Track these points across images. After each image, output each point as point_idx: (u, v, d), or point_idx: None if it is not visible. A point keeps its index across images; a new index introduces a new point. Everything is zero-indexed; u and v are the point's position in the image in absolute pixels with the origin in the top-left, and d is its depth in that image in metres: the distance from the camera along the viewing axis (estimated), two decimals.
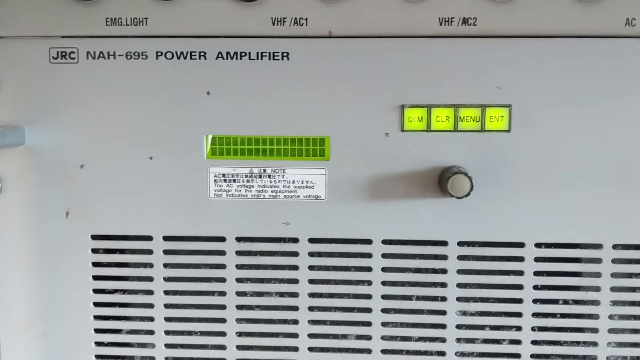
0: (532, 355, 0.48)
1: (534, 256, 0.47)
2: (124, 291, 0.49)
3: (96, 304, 0.49)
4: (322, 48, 0.46)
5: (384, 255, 0.48)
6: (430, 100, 0.46)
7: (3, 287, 0.49)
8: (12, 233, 0.48)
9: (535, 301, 0.48)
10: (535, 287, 0.47)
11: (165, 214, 0.48)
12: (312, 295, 0.49)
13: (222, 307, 0.49)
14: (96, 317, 0.49)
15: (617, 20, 0.44)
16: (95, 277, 0.49)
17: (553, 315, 0.48)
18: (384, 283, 0.48)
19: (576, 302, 0.48)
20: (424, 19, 0.45)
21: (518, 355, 0.48)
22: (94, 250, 0.49)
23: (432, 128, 0.46)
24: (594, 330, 0.48)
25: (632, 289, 0.47)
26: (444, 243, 0.47)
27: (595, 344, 0.48)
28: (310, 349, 0.49)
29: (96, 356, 0.50)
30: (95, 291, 0.49)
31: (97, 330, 0.50)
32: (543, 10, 0.44)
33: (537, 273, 0.47)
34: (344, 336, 0.49)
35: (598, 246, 0.46)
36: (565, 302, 0.48)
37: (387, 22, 0.45)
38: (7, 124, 0.47)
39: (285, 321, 0.49)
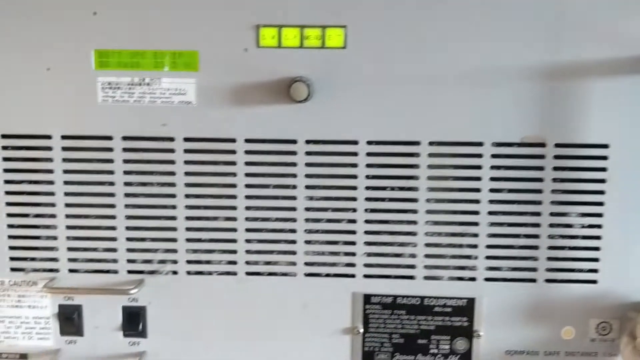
0: (365, 232, 0.59)
1: (366, 151, 0.58)
2: (30, 182, 0.59)
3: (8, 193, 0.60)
4: None
5: (246, 152, 0.58)
6: (281, 21, 0.56)
7: None
8: None
9: (367, 188, 0.59)
10: (367, 177, 0.58)
11: (62, 115, 0.58)
12: (188, 185, 0.59)
13: (112, 195, 0.59)
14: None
15: None
16: (6, 170, 0.59)
17: (382, 200, 0.59)
18: (247, 174, 0.59)
19: (401, 188, 0.59)
20: None
21: (354, 232, 0.59)
22: (4, 147, 0.58)
23: (282, 45, 0.57)
24: (414, 211, 0.59)
25: (445, 178, 0.58)
26: (294, 141, 0.58)
27: (415, 222, 0.59)
28: (188, 229, 0.60)
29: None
30: (6, 182, 0.59)
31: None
32: None
33: (369, 165, 0.58)
34: (215, 218, 0.60)
35: (416, 143, 0.58)
36: (392, 189, 0.59)
37: None
38: None
39: (164, 206, 0.59)
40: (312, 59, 0.56)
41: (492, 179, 0.57)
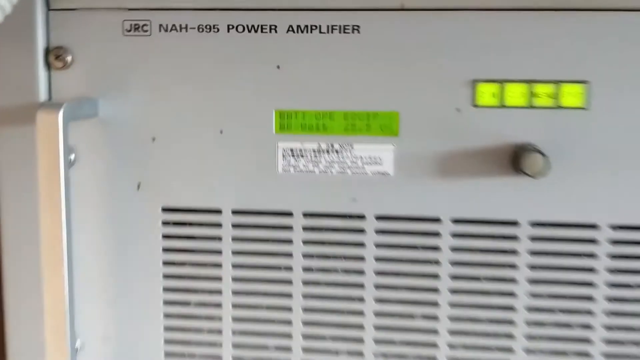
0: (604, 340, 0.46)
1: (608, 238, 0.45)
2: (192, 264, 0.49)
3: (165, 276, 0.50)
4: (394, 21, 0.45)
5: (452, 235, 0.47)
6: (504, 75, 0.45)
7: (78, 260, 0.49)
8: (85, 204, 0.49)
9: (609, 285, 0.46)
10: (609, 270, 0.46)
11: (234, 187, 0.48)
12: (378, 273, 0.48)
13: (289, 281, 0.49)
14: (165, 290, 0.50)
15: None
16: (165, 250, 0.49)
17: (627, 301, 0.46)
18: (452, 263, 0.47)
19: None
20: None
21: (588, 340, 0.47)
22: (165, 223, 0.49)
23: (505, 104, 0.45)
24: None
25: None
26: (515, 223, 0.46)
27: None
28: (377, 327, 0.49)
29: (165, 328, 0.50)
30: (165, 263, 0.50)
31: (165, 302, 0.50)
32: None
33: (612, 256, 0.45)
34: (411, 316, 0.48)
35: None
36: None
37: None
38: (81, 96, 0.48)
39: (350, 298, 0.48)
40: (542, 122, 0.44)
41: None
